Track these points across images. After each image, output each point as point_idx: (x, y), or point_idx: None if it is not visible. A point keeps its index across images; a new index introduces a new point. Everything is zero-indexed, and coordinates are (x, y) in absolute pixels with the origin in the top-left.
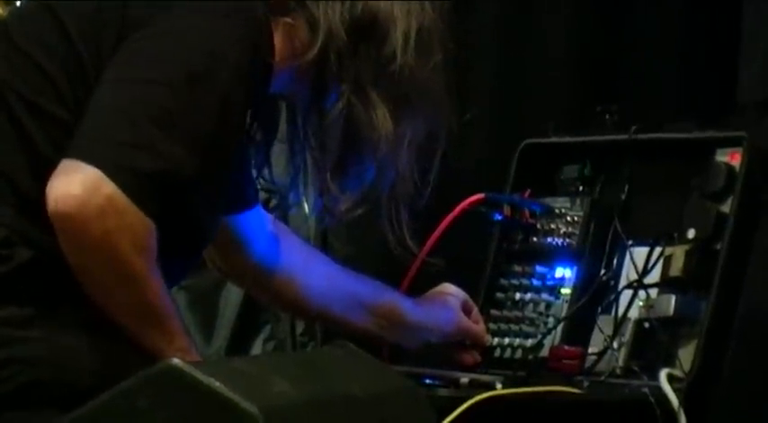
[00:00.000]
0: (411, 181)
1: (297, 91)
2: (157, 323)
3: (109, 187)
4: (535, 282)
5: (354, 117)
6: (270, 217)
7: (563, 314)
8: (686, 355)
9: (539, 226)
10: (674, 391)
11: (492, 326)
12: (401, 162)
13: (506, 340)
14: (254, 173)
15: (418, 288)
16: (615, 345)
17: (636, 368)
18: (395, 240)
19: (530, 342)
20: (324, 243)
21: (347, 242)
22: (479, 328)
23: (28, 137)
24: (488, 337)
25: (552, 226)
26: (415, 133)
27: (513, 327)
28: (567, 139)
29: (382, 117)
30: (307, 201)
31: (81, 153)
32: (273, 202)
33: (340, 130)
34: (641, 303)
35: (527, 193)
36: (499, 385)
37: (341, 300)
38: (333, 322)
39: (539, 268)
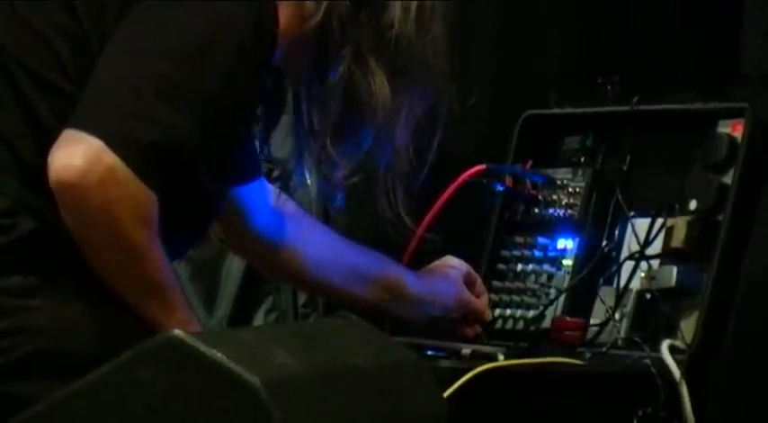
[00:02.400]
0: (407, 157)
1: (298, 58)
2: (158, 295)
3: (110, 158)
4: (537, 253)
5: (354, 82)
6: (273, 189)
7: (565, 285)
8: (688, 326)
9: (540, 197)
10: (676, 362)
11: (494, 297)
12: (398, 135)
13: (508, 311)
14: (257, 146)
15: (419, 262)
16: (617, 316)
17: (637, 339)
18: (390, 216)
19: (531, 313)
20: (326, 216)
21: (348, 215)
22: (480, 302)
23: (33, 108)
24: (488, 313)
25: (554, 197)
26: (413, 108)
27: (515, 298)
28: (569, 110)
29: (380, 84)
30: (310, 177)
31: (82, 123)
32: (275, 174)
33: (339, 95)
34: (643, 274)
35: (529, 165)
36: (501, 356)
37: (342, 271)
38: (333, 294)
39: (540, 239)
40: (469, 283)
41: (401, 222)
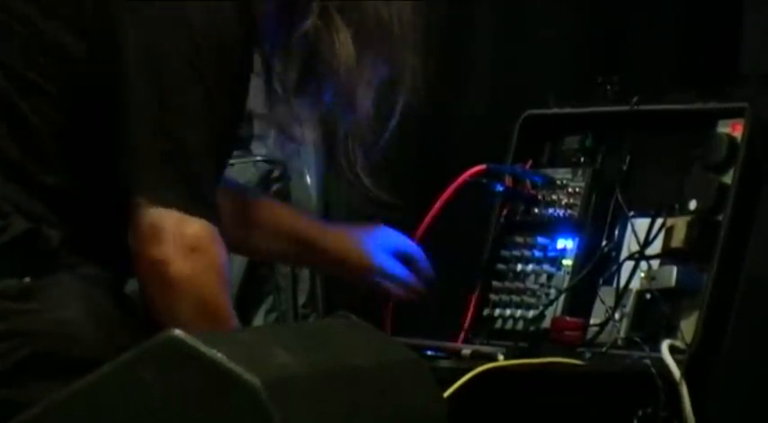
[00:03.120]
0: (369, 123)
1: (267, 11)
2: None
3: (193, 227)
4: (537, 253)
5: (318, 38)
6: None
7: (564, 285)
8: (688, 326)
9: (540, 197)
10: (676, 362)
11: (493, 297)
12: (359, 96)
13: (508, 312)
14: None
15: None
16: (617, 316)
17: (637, 339)
18: (349, 176)
19: (531, 313)
20: (325, 216)
21: (348, 215)
22: (387, 286)
23: (13, 106)
24: (401, 294)
25: (554, 197)
26: (376, 73)
27: (515, 298)
28: (569, 110)
29: (344, 41)
30: (308, 173)
31: (148, 196)
32: (276, 173)
33: (304, 49)
34: (643, 274)
35: (528, 164)
36: (501, 357)
37: (263, 227)
38: (252, 251)
39: (540, 239)
40: (407, 260)
41: (360, 183)
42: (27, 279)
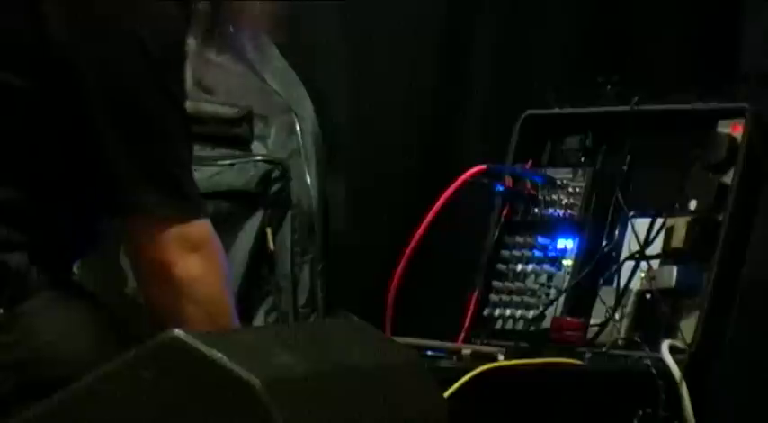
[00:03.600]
0: None
1: None
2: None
3: (192, 227)
4: (537, 253)
5: None
6: None
7: (565, 285)
8: (688, 326)
9: (540, 197)
10: (676, 362)
11: (494, 297)
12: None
13: (508, 311)
14: None
15: (419, 260)
16: (617, 316)
17: (638, 339)
18: None
19: (531, 313)
20: (325, 216)
21: (349, 215)
22: None
23: None
24: None
25: (554, 197)
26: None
27: (515, 298)
28: (569, 110)
29: None
30: (308, 173)
31: (146, 214)
32: (276, 173)
33: None
34: (643, 275)
35: (529, 164)
36: (501, 357)
37: None
38: None
39: (540, 239)
40: None
41: None
42: (0, 311)
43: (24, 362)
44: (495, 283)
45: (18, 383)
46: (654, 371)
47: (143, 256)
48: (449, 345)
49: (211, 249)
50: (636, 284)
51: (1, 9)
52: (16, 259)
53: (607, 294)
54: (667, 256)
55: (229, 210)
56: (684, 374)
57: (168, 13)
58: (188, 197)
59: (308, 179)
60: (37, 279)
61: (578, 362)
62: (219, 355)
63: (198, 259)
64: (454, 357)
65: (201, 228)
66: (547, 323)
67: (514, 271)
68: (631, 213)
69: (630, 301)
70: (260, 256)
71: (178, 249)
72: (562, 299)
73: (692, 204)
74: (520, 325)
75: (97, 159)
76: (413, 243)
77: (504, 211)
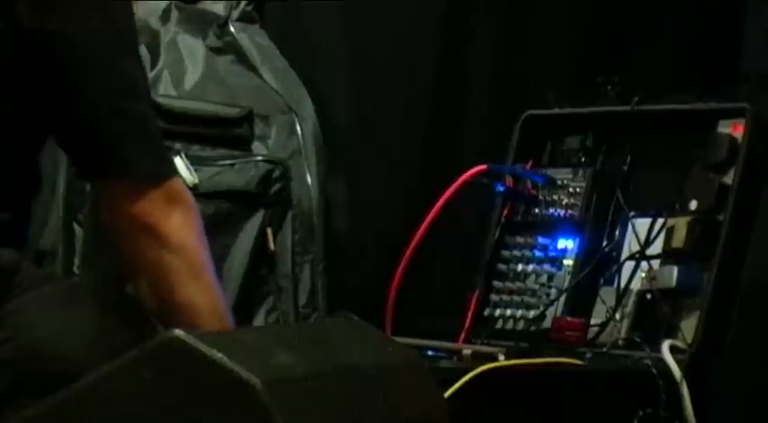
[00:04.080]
0: None
1: None
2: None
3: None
4: (537, 253)
5: None
6: None
7: (565, 285)
8: (688, 326)
9: (541, 197)
10: (677, 362)
11: (494, 297)
12: None
13: (508, 312)
14: None
15: (419, 261)
16: (617, 316)
17: (638, 339)
18: None
19: (532, 313)
20: (326, 216)
21: (349, 215)
22: None
23: None
24: None
25: (554, 197)
26: None
27: (516, 298)
28: (569, 110)
29: None
30: (308, 173)
31: (126, 173)
32: (276, 173)
33: None
34: (643, 275)
35: (529, 165)
36: (502, 357)
37: None
38: None
39: (541, 239)
40: None
41: None
42: None
43: (18, 358)
44: (496, 284)
45: (13, 380)
46: (654, 371)
47: (128, 214)
48: (449, 345)
49: (189, 203)
50: (636, 284)
51: None
52: (5, 257)
53: (607, 294)
54: (668, 256)
55: (230, 210)
56: (685, 374)
57: None
58: (164, 156)
59: (309, 179)
60: (26, 276)
61: (579, 362)
62: (219, 355)
63: (179, 213)
64: (454, 357)
65: (178, 184)
66: (547, 323)
67: (515, 271)
68: (632, 213)
69: (631, 302)
70: (260, 257)
71: (163, 206)
72: (562, 299)
73: (693, 204)
74: (520, 325)
75: (80, 126)
76: (413, 243)
77: (505, 212)
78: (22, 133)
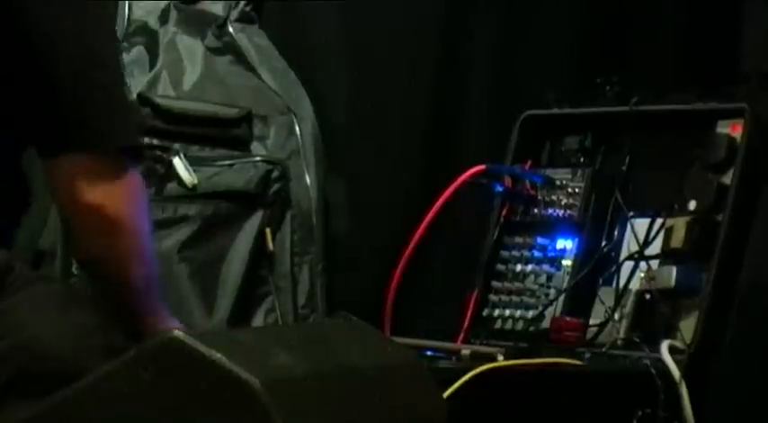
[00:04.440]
0: None
1: None
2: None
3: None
4: (536, 253)
5: None
6: None
7: (564, 286)
8: (687, 326)
9: (539, 197)
10: (676, 362)
11: (493, 297)
12: None
13: (507, 312)
14: None
15: (419, 260)
16: (616, 316)
17: (637, 339)
18: None
19: (531, 314)
20: (325, 217)
21: (348, 215)
22: None
23: None
24: None
25: (553, 197)
26: None
27: (515, 298)
28: (568, 110)
29: None
30: (308, 173)
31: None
32: (276, 173)
33: None
34: (642, 275)
35: (528, 165)
36: (500, 357)
37: None
38: None
39: (540, 240)
40: None
41: None
42: None
43: (9, 357)
44: (495, 284)
45: (11, 375)
46: (653, 371)
47: (75, 199)
48: (448, 345)
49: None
50: (635, 285)
51: None
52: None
53: (606, 295)
54: (667, 256)
55: (229, 210)
56: (684, 375)
57: None
58: (132, 126)
59: (308, 179)
60: (18, 276)
61: (578, 362)
62: (219, 355)
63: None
64: (453, 358)
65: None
66: (546, 323)
67: (514, 271)
68: (631, 213)
69: (630, 302)
70: (259, 257)
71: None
72: (561, 299)
73: (692, 205)
74: (519, 325)
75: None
76: (413, 243)
77: (504, 212)
78: (4, 132)
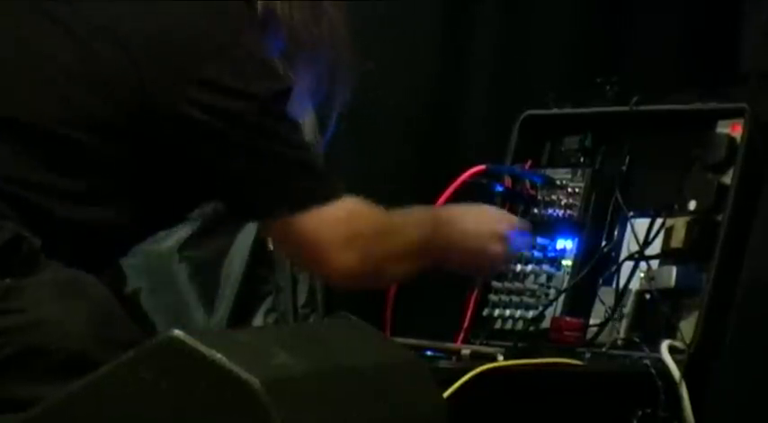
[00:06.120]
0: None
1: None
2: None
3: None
4: (536, 253)
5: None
6: None
7: (564, 286)
8: (687, 326)
9: (540, 197)
10: (676, 362)
11: (493, 297)
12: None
13: (507, 312)
14: None
15: None
16: (616, 316)
17: (637, 340)
18: None
19: (531, 314)
20: None
21: None
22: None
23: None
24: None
25: (553, 197)
26: (311, 83)
27: (515, 298)
28: (568, 110)
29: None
30: None
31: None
32: None
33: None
34: (642, 275)
35: (528, 165)
36: (500, 357)
37: None
38: None
39: (540, 240)
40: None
41: None
42: (7, 280)
43: (20, 331)
44: (495, 284)
45: (14, 353)
46: (653, 371)
47: (320, 261)
48: (448, 345)
49: (367, 218)
50: (635, 285)
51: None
52: (33, 240)
53: (606, 295)
54: (667, 256)
55: None
56: (684, 375)
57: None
58: (329, 182)
59: None
60: (48, 261)
61: (578, 362)
62: (219, 355)
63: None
64: (453, 357)
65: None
66: (546, 323)
67: (514, 271)
68: (631, 213)
69: (630, 302)
70: (260, 257)
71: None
72: (561, 299)
73: (692, 204)
74: (519, 325)
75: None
76: None
77: None
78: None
